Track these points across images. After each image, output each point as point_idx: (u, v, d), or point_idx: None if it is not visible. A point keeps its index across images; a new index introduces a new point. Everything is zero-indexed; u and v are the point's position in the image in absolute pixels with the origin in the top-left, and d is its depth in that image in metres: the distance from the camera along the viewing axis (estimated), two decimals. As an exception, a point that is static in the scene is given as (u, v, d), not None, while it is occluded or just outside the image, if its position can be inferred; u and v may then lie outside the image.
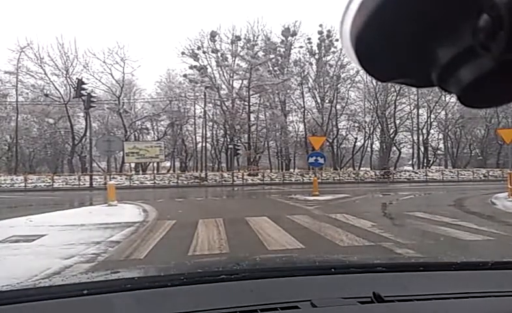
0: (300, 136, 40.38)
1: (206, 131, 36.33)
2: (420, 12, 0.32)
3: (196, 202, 15.52)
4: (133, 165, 38.18)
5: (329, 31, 37.75)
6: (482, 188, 19.62)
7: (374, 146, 44.48)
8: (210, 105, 38.19)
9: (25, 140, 38.41)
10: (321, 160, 17.18)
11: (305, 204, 13.22)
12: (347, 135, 43.12)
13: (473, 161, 42.71)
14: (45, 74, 34.80)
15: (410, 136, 43.58)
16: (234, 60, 38.63)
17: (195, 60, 37.83)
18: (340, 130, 41.65)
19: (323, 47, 38.70)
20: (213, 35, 37.49)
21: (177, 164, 45.67)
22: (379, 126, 41.46)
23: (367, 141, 43.45)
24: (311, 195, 15.89)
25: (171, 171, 40.80)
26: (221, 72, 38.73)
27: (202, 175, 33.91)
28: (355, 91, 41.36)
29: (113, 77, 36.66)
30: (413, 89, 28.36)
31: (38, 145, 39.52)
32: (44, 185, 29.53)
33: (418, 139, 41.97)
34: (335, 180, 32.18)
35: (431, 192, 19.48)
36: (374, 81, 21.04)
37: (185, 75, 38.23)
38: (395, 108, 40.86)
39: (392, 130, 41.28)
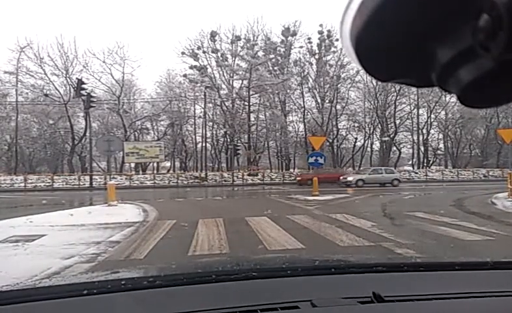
0: (300, 136, 40.41)
1: (206, 131, 36.37)
2: (420, 12, 0.32)
3: (196, 202, 15.52)
4: (133, 165, 38.18)
5: (329, 31, 37.79)
6: (482, 188, 19.63)
7: (374, 146, 44.60)
8: (210, 105, 38.23)
9: (24, 140, 38.43)
10: (321, 160, 17.17)
11: (305, 204, 13.23)
12: (347, 135, 43.25)
13: (473, 161, 42.74)
14: (45, 73, 34.89)
15: (410, 136, 43.69)
16: (234, 60, 38.66)
17: (195, 60, 37.86)
18: (340, 130, 41.73)
19: (323, 47, 38.70)
20: (213, 35, 37.50)
21: (177, 164, 45.70)
22: (379, 126, 41.50)
23: (367, 141, 43.54)
24: (311, 195, 15.90)
25: (171, 171, 40.82)
26: (221, 72, 38.78)
27: (202, 175, 33.92)
28: (355, 91, 41.51)
29: (112, 77, 36.73)
30: (413, 89, 28.40)
31: (38, 145, 39.53)
32: (44, 185, 29.54)
33: (418, 139, 42.01)
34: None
35: (431, 192, 19.48)
36: (374, 81, 21.06)
37: (185, 75, 38.27)
38: (395, 108, 40.93)
39: (392, 130, 41.32)
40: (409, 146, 44.93)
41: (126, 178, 31.72)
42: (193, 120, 41.80)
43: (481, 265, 1.34)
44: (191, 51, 37.54)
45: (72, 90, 33.17)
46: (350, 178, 25.66)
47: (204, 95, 35.28)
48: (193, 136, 42.74)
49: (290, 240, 6.50)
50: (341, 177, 26.84)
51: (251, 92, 36.48)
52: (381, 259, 1.92)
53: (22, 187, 28.86)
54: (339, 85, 38.88)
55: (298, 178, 29.35)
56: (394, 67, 0.37)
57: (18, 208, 14.00)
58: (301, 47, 39.23)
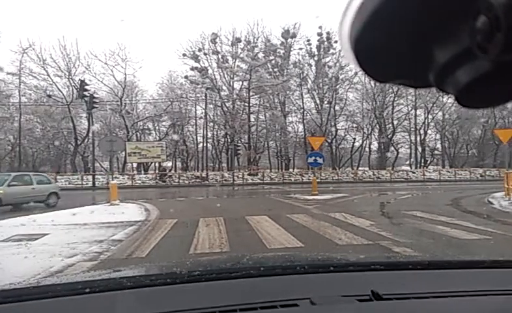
0: (299, 136, 40.38)
1: (207, 131, 36.38)
2: (418, 14, 0.33)
3: (197, 201, 15.53)
4: (135, 165, 38.16)
5: (328, 33, 37.80)
6: (479, 188, 19.63)
7: (372, 146, 44.57)
8: (211, 106, 38.23)
9: (28, 140, 38.36)
10: (320, 160, 17.21)
11: (304, 203, 13.24)
12: (346, 135, 43.13)
13: (470, 161, 42.68)
14: (48, 75, 34.69)
15: (407, 136, 43.67)
16: (235, 62, 38.60)
17: (196, 61, 37.83)
18: (338, 131, 41.66)
19: (322, 49, 38.73)
20: (214, 37, 37.47)
21: (178, 164, 45.67)
22: (377, 126, 41.49)
23: (365, 142, 43.52)
24: (310, 195, 15.91)
25: (173, 171, 40.78)
26: (221, 74, 38.75)
27: (203, 174, 33.92)
28: (353, 92, 41.43)
29: (114, 78, 36.65)
30: (411, 90, 28.31)
31: (41, 146, 39.48)
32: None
33: (416, 139, 42.05)
34: (333, 180, 32.19)
35: (429, 192, 19.47)
36: (372, 82, 21.01)
37: (186, 77, 38.26)
38: (392, 109, 40.95)
39: (390, 131, 41.31)
40: (407, 146, 44.91)
41: (128, 178, 31.78)
42: (194, 121, 41.75)
43: (479, 264, 1.37)
44: (192, 52, 37.55)
45: (75, 91, 33.15)
46: None
47: (205, 96, 35.27)
48: (194, 137, 42.75)
49: (290, 238, 6.54)
50: None
51: (251, 94, 36.47)
52: (379, 258, 1.94)
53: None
54: (337, 87, 38.88)
55: None
56: (392, 68, 0.38)
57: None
58: (300, 49, 39.31)
